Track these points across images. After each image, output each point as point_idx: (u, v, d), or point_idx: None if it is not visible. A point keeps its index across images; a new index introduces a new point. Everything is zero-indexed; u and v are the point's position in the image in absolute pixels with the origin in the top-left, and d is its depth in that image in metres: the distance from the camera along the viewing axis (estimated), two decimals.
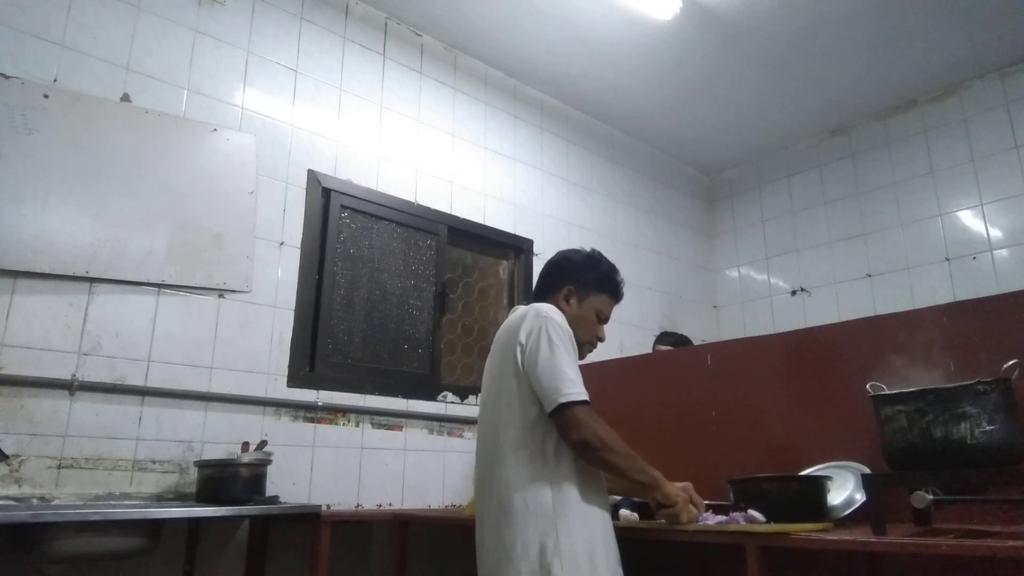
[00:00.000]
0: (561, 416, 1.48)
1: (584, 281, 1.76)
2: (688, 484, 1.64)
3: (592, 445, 1.47)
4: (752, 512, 1.59)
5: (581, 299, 1.75)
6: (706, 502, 1.69)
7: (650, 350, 3.93)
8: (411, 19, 3.50)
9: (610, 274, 1.81)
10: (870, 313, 3.52)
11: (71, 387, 2.22)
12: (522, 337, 1.58)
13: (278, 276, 2.81)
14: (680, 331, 4.55)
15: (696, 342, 4.33)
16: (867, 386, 1.58)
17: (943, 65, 3.86)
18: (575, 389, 1.49)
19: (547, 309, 1.62)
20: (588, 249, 1.86)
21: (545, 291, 1.80)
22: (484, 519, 1.59)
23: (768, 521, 1.57)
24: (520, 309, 1.69)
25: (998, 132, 3.84)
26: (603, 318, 1.79)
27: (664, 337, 3.77)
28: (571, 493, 1.50)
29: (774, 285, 4.72)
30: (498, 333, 1.73)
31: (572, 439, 1.48)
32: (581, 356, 1.77)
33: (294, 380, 2.76)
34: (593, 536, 1.50)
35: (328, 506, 2.69)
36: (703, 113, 4.36)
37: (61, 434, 2.20)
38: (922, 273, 4.00)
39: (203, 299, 2.59)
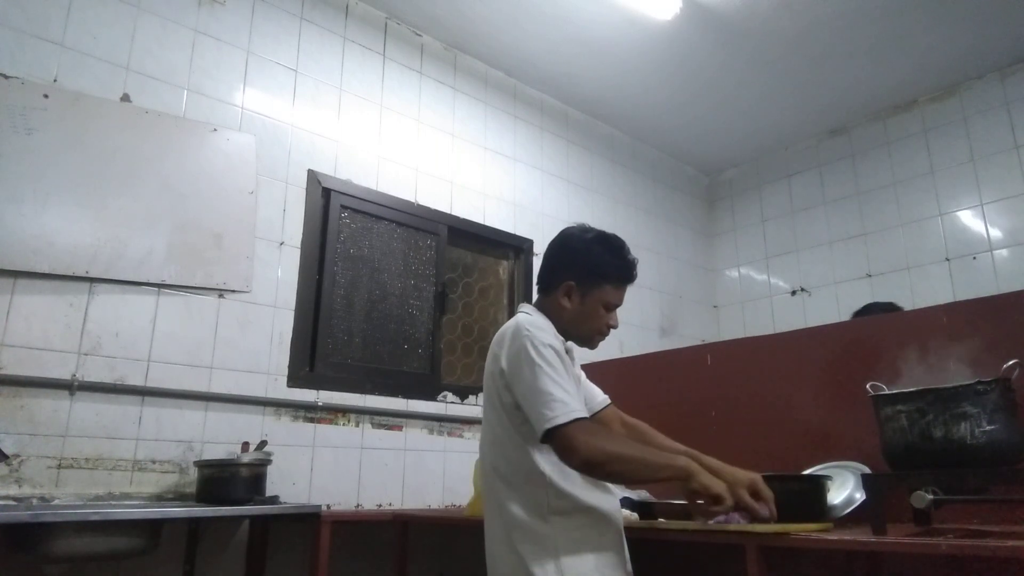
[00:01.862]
0: (553, 441, 1.37)
1: (587, 274, 1.60)
2: (756, 476, 1.47)
3: (596, 461, 1.34)
4: (736, 514, 1.59)
5: (584, 294, 1.60)
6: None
7: (648, 350, 3.93)
8: (411, 19, 3.50)
9: (618, 261, 1.62)
10: None
11: (71, 387, 2.22)
12: (504, 363, 1.49)
13: (278, 276, 2.81)
14: (680, 331, 4.56)
15: (696, 342, 4.33)
16: (867, 386, 1.58)
17: (943, 65, 3.86)
18: (562, 410, 1.36)
19: (527, 323, 1.50)
20: (594, 232, 1.67)
21: (546, 284, 1.66)
22: (490, 539, 1.54)
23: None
24: (506, 324, 1.59)
25: (998, 132, 3.84)
26: (612, 307, 1.63)
27: (868, 309, 3.07)
28: (570, 516, 1.45)
29: (774, 285, 4.72)
30: (490, 347, 1.64)
31: (573, 463, 1.36)
32: (592, 346, 1.68)
33: (294, 380, 2.76)
34: (599, 555, 1.46)
35: (328, 506, 2.69)
36: (703, 113, 4.36)
37: (61, 434, 2.20)
38: (922, 273, 4.00)
39: (203, 299, 2.59)
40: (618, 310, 1.68)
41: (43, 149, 2.29)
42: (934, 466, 1.38)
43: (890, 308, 2.94)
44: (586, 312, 1.61)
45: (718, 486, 1.38)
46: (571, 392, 1.42)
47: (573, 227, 1.72)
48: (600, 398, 1.83)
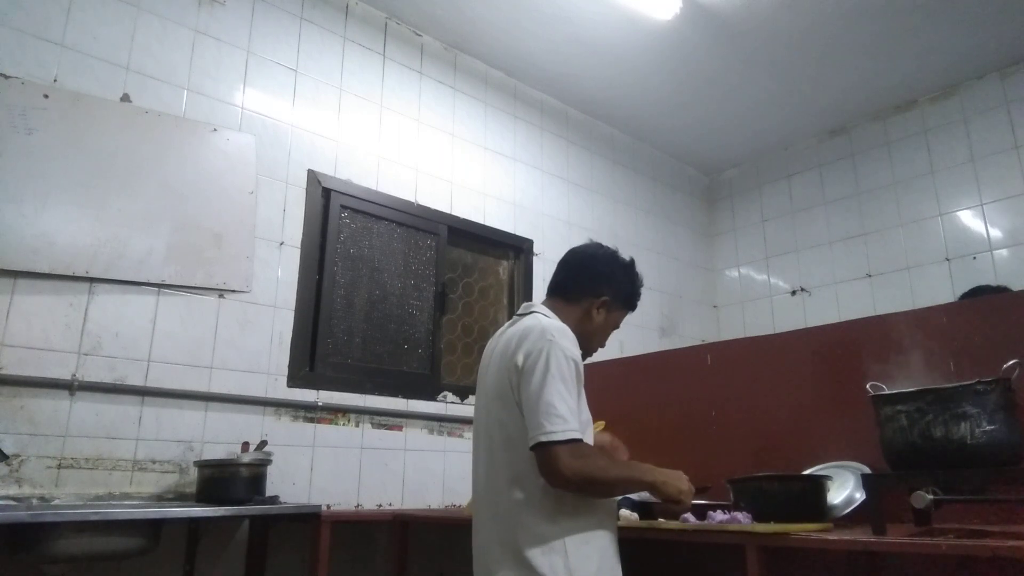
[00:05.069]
0: (540, 456, 1.39)
1: (619, 296, 1.70)
2: (680, 473, 1.56)
3: (574, 484, 1.39)
4: (736, 514, 1.60)
5: (610, 311, 1.69)
6: (708, 503, 1.69)
7: (648, 350, 3.94)
8: (411, 19, 3.50)
9: (638, 290, 1.75)
10: (870, 313, 3.52)
11: (71, 387, 2.22)
12: (519, 358, 1.47)
13: (278, 276, 2.81)
14: (680, 331, 4.56)
15: (696, 342, 4.33)
16: (867, 386, 1.58)
17: (943, 65, 3.86)
18: (560, 426, 1.37)
19: (555, 331, 1.49)
20: (627, 258, 1.76)
21: (572, 289, 1.67)
22: (486, 541, 1.52)
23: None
24: (523, 322, 1.56)
25: (998, 132, 3.84)
26: (615, 327, 1.76)
27: (975, 292, 3.22)
28: (577, 516, 1.44)
29: (774, 285, 4.72)
30: (497, 342, 1.63)
31: (552, 482, 1.39)
32: (583, 359, 1.69)
33: (294, 380, 2.76)
34: (602, 553, 1.47)
35: (328, 506, 2.69)
36: (703, 113, 4.36)
37: (61, 434, 2.20)
38: (922, 273, 4.00)
39: (203, 299, 2.59)
40: None
41: (43, 149, 2.29)
42: (934, 466, 1.38)
43: (999, 292, 2.94)
44: (604, 328, 1.71)
45: (682, 489, 1.50)
46: (574, 410, 1.43)
47: (604, 246, 1.77)
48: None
